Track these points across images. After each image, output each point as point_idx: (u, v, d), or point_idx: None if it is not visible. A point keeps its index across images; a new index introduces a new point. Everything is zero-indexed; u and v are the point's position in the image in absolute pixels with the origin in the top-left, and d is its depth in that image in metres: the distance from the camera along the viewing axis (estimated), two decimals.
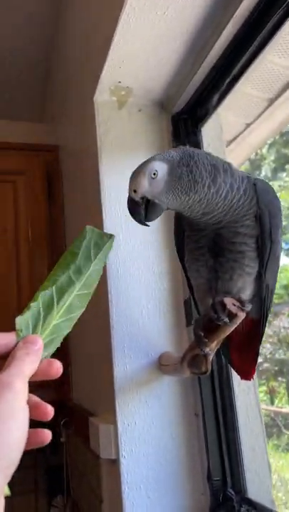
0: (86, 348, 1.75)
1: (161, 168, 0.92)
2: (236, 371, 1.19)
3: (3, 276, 2.10)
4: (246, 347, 1.15)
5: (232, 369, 1.26)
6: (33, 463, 2.42)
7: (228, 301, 0.96)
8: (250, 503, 1.25)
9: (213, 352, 1.04)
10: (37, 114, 2.91)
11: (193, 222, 1.00)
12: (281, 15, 1.05)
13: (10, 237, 2.15)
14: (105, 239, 0.69)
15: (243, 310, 0.96)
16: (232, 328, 0.97)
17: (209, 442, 1.32)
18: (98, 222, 1.45)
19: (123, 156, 1.51)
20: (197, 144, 1.51)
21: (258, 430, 1.46)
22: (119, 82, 1.46)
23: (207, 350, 1.01)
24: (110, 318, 1.36)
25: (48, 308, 0.63)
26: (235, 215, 0.95)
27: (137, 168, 0.95)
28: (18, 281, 2.11)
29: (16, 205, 2.20)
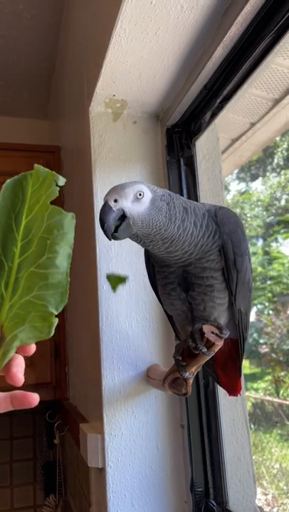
0: (80, 354, 1.79)
1: (147, 193, 0.94)
2: (224, 388, 1.22)
3: None
4: (230, 364, 1.18)
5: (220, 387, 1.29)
6: (32, 456, 2.50)
7: (207, 329, 0.98)
8: None
9: (194, 375, 1.07)
10: (41, 113, 2.91)
11: (159, 258, 1.03)
12: (270, 41, 1.04)
13: None
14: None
15: (221, 338, 0.98)
16: (210, 356, 0.99)
17: (193, 453, 1.36)
18: (91, 234, 1.48)
19: (117, 169, 1.52)
20: (191, 157, 1.52)
21: (244, 441, 1.50)
22: (114, 95, 1.47)
23: (186, 375, 1.04)
24: (100, 330, 1.40)
25: None
26: (201, 251, 0.97)
27: (123, 183, 0.96)
28: None
29: None
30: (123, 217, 0.93)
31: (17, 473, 2.48)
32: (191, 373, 1.05)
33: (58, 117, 2.50)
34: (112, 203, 0.92)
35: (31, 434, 2.55)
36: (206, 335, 0.96)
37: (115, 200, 0.92)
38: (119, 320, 1.42)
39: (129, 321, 1.44)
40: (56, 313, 0.60)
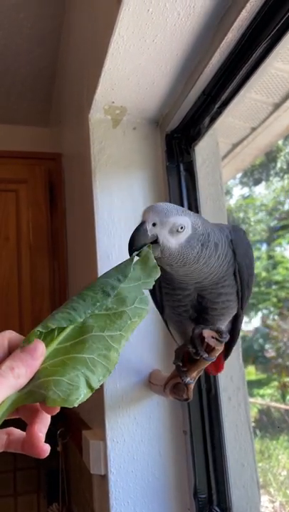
0: None
1: (187, 229, 0.89)
2: (206, 369, 1.21)
3: (5, 283, 2.15)
4: None
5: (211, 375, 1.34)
6: (36, 464, 2.49)
7: (207, 334, 0.98)
8: None
9: (195, 380, 1.06)
10: (43, 120, 2.93)
11: (174, 279, 1.00)
12: (266, 46, 1.05)
13: (12, 246, 2.19)
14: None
15: (221, 342, 0.98)
16: (211, 361, 0.99)
17: (196, 459, 1.35)
18: (92, 240, 1.48)
19: (117, 175, 1.53)
20: (191, 163, 1.53)
21: (248, 446, 1.49)
22: (113, 102, 1.48)
23: (187, 380, 1.03)
24: None
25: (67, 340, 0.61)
26: (216, 277, 0.96)
27: (170, 207, 0.89)
28: (20, 290, 2.15)
29: (18, 214, 2.24)
30: (153, 242, 0.87)
31: (21, 481, 2.47)
32: (192, 378, 1.04)
33: (59, 124, 2.52)
34: (149, 226, 0.85)
35: None
36: (206, 340, 0.96)
37: (154, 224, 0.86)
38: None
39: None
40: (95, 389, 0.59)
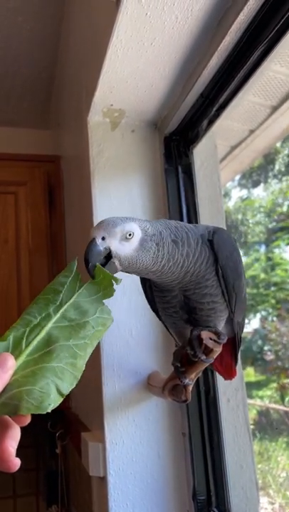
0: None
1: (137, 233, 0.91)
2: (219, 374, 1.25)
3: (4, 286, 2.15)
4: (225, 355, 1.19)
5: (218, 375, 1.33)
6: (35, 466, 2.49)
7: (205, 335, 0.98)
8: None
9: (193, 382, 1.07)
10: (42, 122, 2.94)
11: (158, 283, 1.02)
12: (263, 49, 1.06)
13: (11, 248, 2.20)
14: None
15: (219, 343, 0.99)
16: (209, 363, 0.99)
17: (195, 461, 1.35)
18: None
19: (116, 177, 1.54)
20: (189, 165, 1.53)
21: (247, 448, 1.49)
22: (112, 105, 1.48)
23: (186, 381, 1.04)
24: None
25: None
26: (194, 276, 0.97)
27: (115, 219, 0.92)
28: (19, 291, 2.15)
29: (17, 216, 2.24)
30: (109, 255, 0.89)
31: (20, 483, 2.46)
32: (190, 380, 1.05)
33: (58, 127, 2.52)
34: (99, 241, 0.87)
35: (34, 444, 2.53)
36: (204, 341, 0.96)
37: (103, 238, 0.88)
38: (119, 327, 1.42)
39: (129, 329, 1.44)
40: (65, 395, 0.62)
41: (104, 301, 0.74)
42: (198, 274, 0.97)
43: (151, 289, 1.10)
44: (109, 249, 0.88)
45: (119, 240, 0.89)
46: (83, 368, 0.66)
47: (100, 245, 0.87)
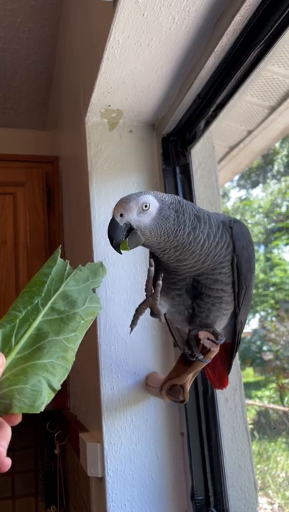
0: (79, 362, 1.79)
1: (153, 203, 0.94)
2: (210, 381, 1.24)
3: (2, 286, 2.15)
4: (219, 364, 1.19)
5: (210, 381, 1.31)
6: (34, 467, 2.49)
7: (203, 335, 0.99)
8: None
9: (191, 382, 1.07)
10: (40, 123, 2.94)
11: (170, 266, 1.02)
12: (260, 50, 1.06)
13: (9, 249, 2.20)
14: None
15: (216, 344, 0.99)
16: (207, 363, 0.99)
17: (193, 461, 1.35)
18: (88, 243, 1.49)
19: (114, 178, 1.54)
20: (187, 166, 1.53)
21: (245, 448, 1.49)
22: (109, 105, 1.48)
23: (184, 381, 1.04)
24: (98, 338, 1.40)
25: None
26: (214, 262, 0.97)
27: (130, 194, 0.96)
28: (17, 292, 2.15)
29: (15, 217, 2.24)
30: (131, 229, 0.94)
31: (19, 484, 2.46)
32: (187, 380, 1.05)
33: (57, 128, 2.52)
34: (118, 218, 0.93)
35: (33, 444, 2.53)
36: (201, 341, 0.97)
37: (121, 215, 0.93)
38: (118, 328, 1.42)
39: (128, 329, 1.44)
40: (57, 390, 0.62)
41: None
42: (216, 260, 0.97)
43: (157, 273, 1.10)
44: (130, 223, 0.93)
45: (137, 213, 0.93)
46: (74, 359, 0.66)
47: (120, 221, 0.92)
